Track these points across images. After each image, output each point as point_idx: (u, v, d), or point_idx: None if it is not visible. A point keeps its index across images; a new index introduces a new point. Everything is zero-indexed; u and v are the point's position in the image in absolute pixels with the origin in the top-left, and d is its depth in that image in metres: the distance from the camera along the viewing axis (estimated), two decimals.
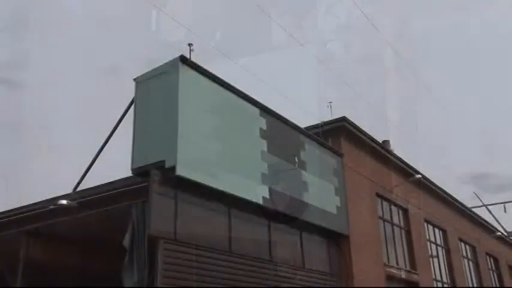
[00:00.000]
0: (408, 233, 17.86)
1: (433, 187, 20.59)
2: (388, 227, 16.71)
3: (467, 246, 24.06)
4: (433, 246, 20.26)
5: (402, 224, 17.76)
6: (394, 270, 15.82)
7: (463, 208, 23.90)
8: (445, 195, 21.85)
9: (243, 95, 10.89)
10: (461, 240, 23.15)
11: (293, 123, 12.46)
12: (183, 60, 9.45)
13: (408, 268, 16.95)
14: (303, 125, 13.32)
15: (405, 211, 18.04)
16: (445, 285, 19.94)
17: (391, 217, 17.13)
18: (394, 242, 16.86)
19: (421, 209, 19.29)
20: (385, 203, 16.80)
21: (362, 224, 14.39)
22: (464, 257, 23.19)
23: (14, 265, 11.40)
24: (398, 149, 18.20)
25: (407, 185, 18.08)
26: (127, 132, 9.62)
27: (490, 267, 26.38)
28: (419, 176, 18.19)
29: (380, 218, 16.15)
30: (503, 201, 27.06)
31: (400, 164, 17.73)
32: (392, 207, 17.33)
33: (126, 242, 8.84)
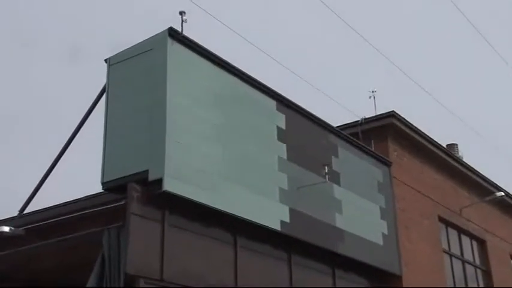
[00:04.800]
0: (487, 274, 18.16)
1: None
2: (457, 264, 16.98)
3: None
4: None
5: (478, 261, 18.02)
6: None
7: None
8: None
9: (255, 82, 11.19)
10: None
11: (322, 121, 12.82)
12: (173, 34, 9.68)
13: None
14: (336, 122, 13.74)
15: (482, 243, 18.32)
16: None
17: (462, 251, 17.41)
18: (467, 285, 17.12)
19: (507, 241, 19.53)
20: (451, 231, 17.07)
21: (419, 260, 14.67)
22: None
23: None
24: (468, 156, 18.43)
25: (484, 206, 18.33)
26: (97, 135, 9.93)
27: None
28: (502, 193, 18.41)
29: (445, 251, 16.42)
30: None
31: (473, 176, 18.00)
32: (463, 236, 17.59)
33: (91, 283, 9.19)
